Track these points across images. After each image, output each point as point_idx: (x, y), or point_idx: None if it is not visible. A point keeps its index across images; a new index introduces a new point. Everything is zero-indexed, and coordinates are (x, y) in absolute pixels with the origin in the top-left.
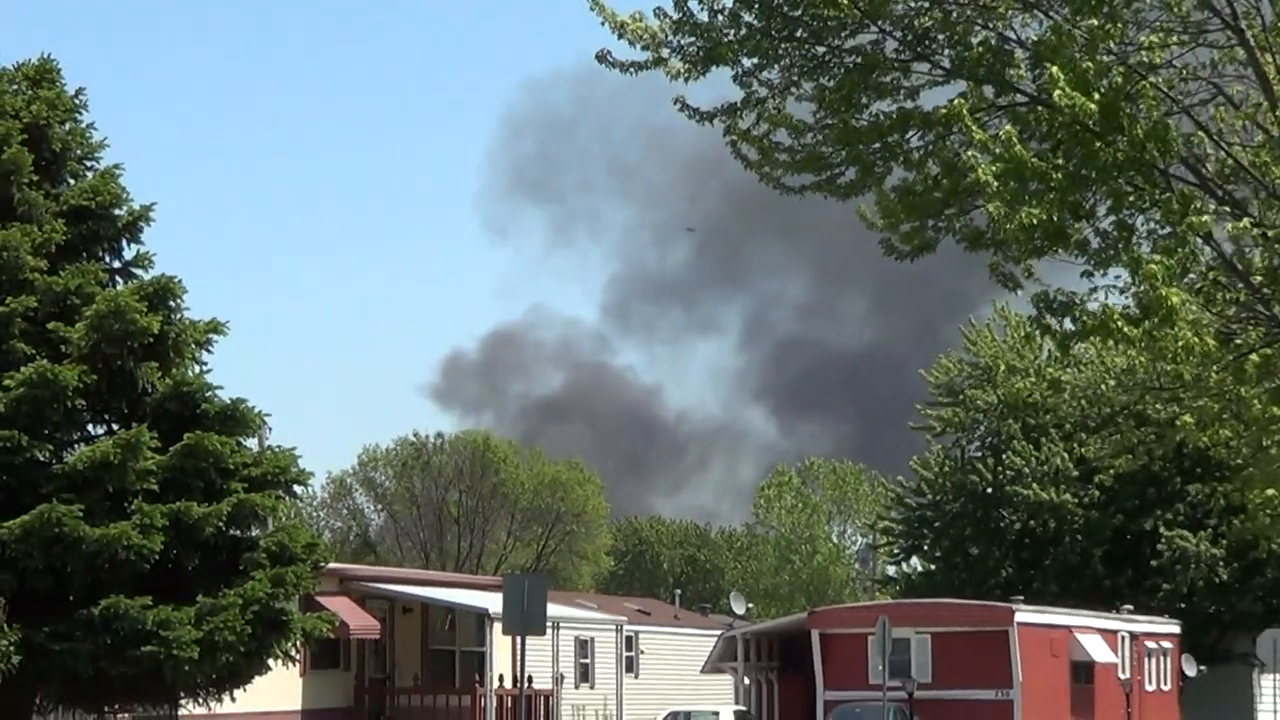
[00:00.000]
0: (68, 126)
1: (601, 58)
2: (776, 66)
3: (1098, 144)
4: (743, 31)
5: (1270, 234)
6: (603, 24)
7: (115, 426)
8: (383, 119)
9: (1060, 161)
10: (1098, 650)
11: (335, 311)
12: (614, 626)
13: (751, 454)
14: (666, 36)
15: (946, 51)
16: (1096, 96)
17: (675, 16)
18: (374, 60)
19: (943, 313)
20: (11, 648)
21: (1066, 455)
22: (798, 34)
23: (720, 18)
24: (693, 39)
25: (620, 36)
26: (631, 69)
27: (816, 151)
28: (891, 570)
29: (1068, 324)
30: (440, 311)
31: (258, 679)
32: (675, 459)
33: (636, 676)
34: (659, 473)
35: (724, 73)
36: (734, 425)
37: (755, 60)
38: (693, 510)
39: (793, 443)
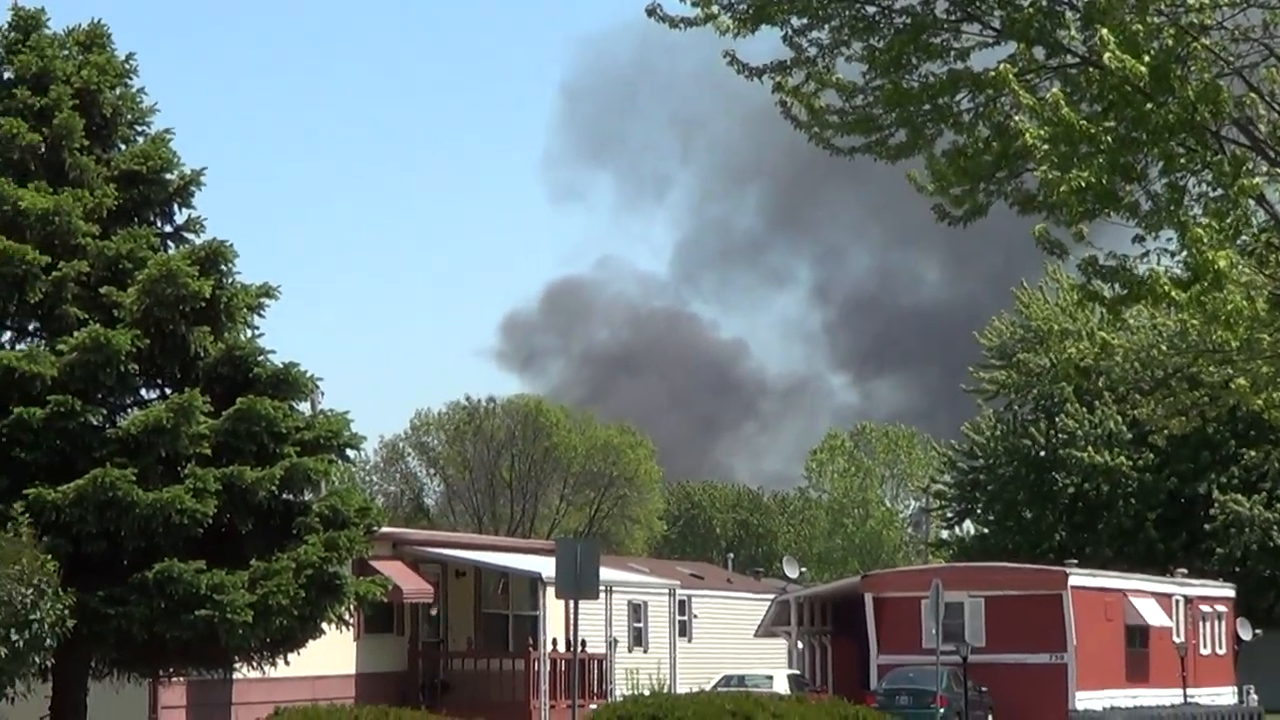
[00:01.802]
0: (118, 91)
1: (652, 12)
2: (826, 26)
3: (1148, 106)
4: None
5: None
6: None
7: (168, 391)
8: (436, 77)
9: (1111, 124)
10: (1152, 614)
11: (390, 275)
12: (667, 590)
13: (828, 413)
14: None
15: (997, 12)
16: (1147, 58)
17: None
18: (428, 18)
19: (1023, 265)
20: (66, 612)
21: (1120, 418)
22: None
23: None
24: None
25: None
26: (681, 24)
27: (866, 113)
28: (944, 534)
29: (1116, 289)
30: (501, 274)
31: (311, 643)
32: (748, 416)
33: (690, 640)
34: (731, 430)
35: (774, 30)
36: (811, 382)
37: (804, 19)
38: (764, 474)
39: (871, 403)
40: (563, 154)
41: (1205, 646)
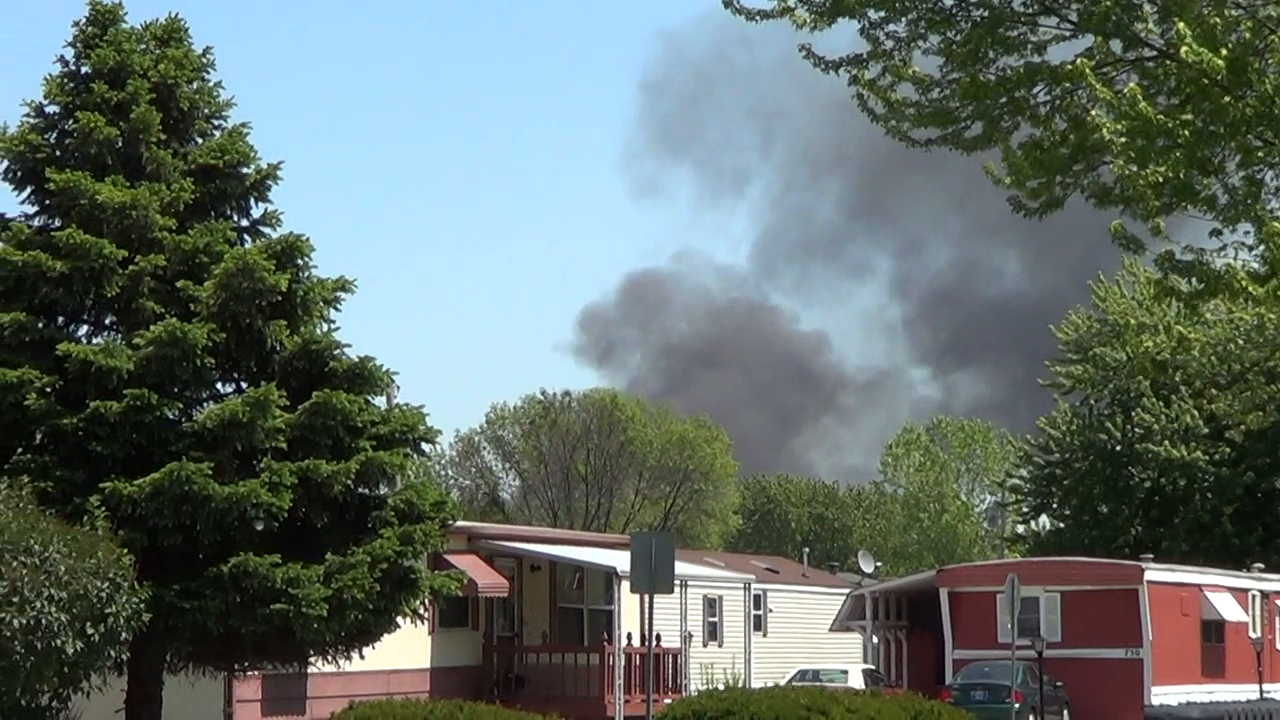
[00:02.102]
0: (195, 85)
1: (729, 4)
2: (903, 19)
3: (1226, 99)
4: None
5: None
6: None
7: (244, 385)
8: (513, 71)
9: (1188, 117)
10: (1228, 609)
11: (467, 270)
12: (742, 585)
13: (908, 406)
14: None
15: (1074, 5)
16: (1225, 51)
17: None
18: (506, 11)
19: (1104, 256)
20: (142, 605)
21: (1196, 413)
22: None
23: None
24: None
25: None
26: (758, 17)
27: (942, 106)
28: (1020, 528)
29: (1193, 283)
30: (579, 268)
31: (386, 637)
32: (828, 409)
33: (765, 635)
34: (811, 423)
35: (851, 23)
36: (891, 375)
37: (881, 13)
38: (843, 468)
39: (952, 395)
40: (642, 148)
41: None
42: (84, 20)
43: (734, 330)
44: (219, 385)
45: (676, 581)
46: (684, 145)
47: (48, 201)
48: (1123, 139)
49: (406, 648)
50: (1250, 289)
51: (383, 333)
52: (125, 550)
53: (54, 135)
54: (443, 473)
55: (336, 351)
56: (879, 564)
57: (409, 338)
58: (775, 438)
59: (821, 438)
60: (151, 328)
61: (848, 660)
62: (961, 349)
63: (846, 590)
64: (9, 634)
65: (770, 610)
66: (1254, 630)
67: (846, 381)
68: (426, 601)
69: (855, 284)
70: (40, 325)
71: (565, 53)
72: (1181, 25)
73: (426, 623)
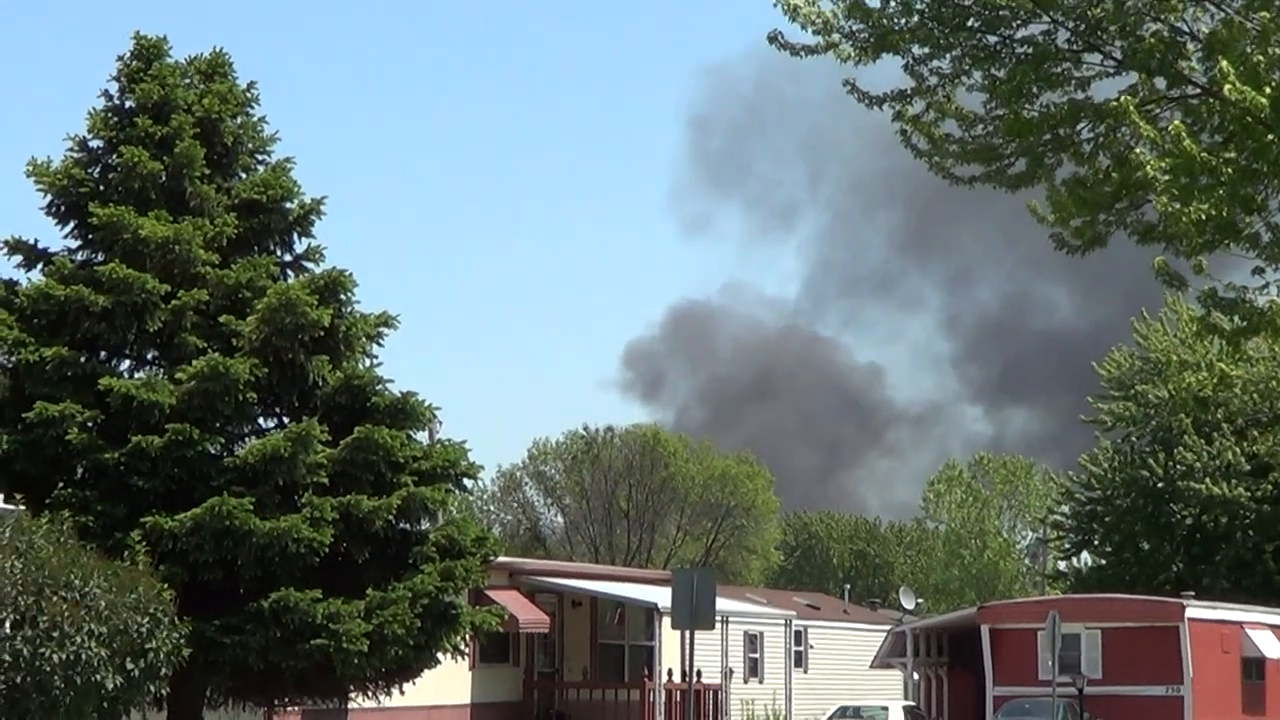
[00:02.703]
0: (239, 120)
1: (774, 39)
2: (947, 56)
3: (1269, 137)
4: (914, 19)
5: None
6: (775, 5)
7: (286, 419)
8: (560, 107)
9: (1231, 155)
10: (1269, 646)
11: (512, 305)
12: (783, 621)
13: (960, 441)
14: (838, 21)
15: (1118, 43)
16: (1268, 90)
17: (847, 1)
18: (547, 50)
19: (1154, 292)
20: (182, 640)
21: (1238, 450)
22: (969, 23)
23: (892, 4)
24: (863, 25)
25: (793, 20)
26: (802, 52)
27: (986, 142)
28: (1061, 565)
29: (1236, 321)
30: (627, 305)
31: (427, 672)
32: (878, 443)
33: (805, 671)
34: (862, 458)
35: (895, 59)
36: (943, 410)
37: (926, 49)
38: (894, 503)
39: (1003, 430)
40: (690, 185)
41: None
42: (129, 54)
43: (784, 363)
44: (261, 420)
45: (718, 617)
46: (732, 181)
47: (90, 236)
48: (1166, 177)
49: (447, 683)
50: None
51: (425, 368)
52: (166, 585)
53: (97, 170)
54: (484, 508)
55: (379, 387)
56: (920, 600)
57: (452, 373)
58: (825, 471)
59: (872, 473)
60: (194, 362)
61: (889, 697)
62: (1013, 383)
63: (887, 627)
64: (49, 669)
65: (811, 646)
66: None
67: (898, 415)
68: (467, 637)
69: (906, 317)
70: (82, 360)
71: (612, 88)
72: (1225, 63)
73: (467, 658)
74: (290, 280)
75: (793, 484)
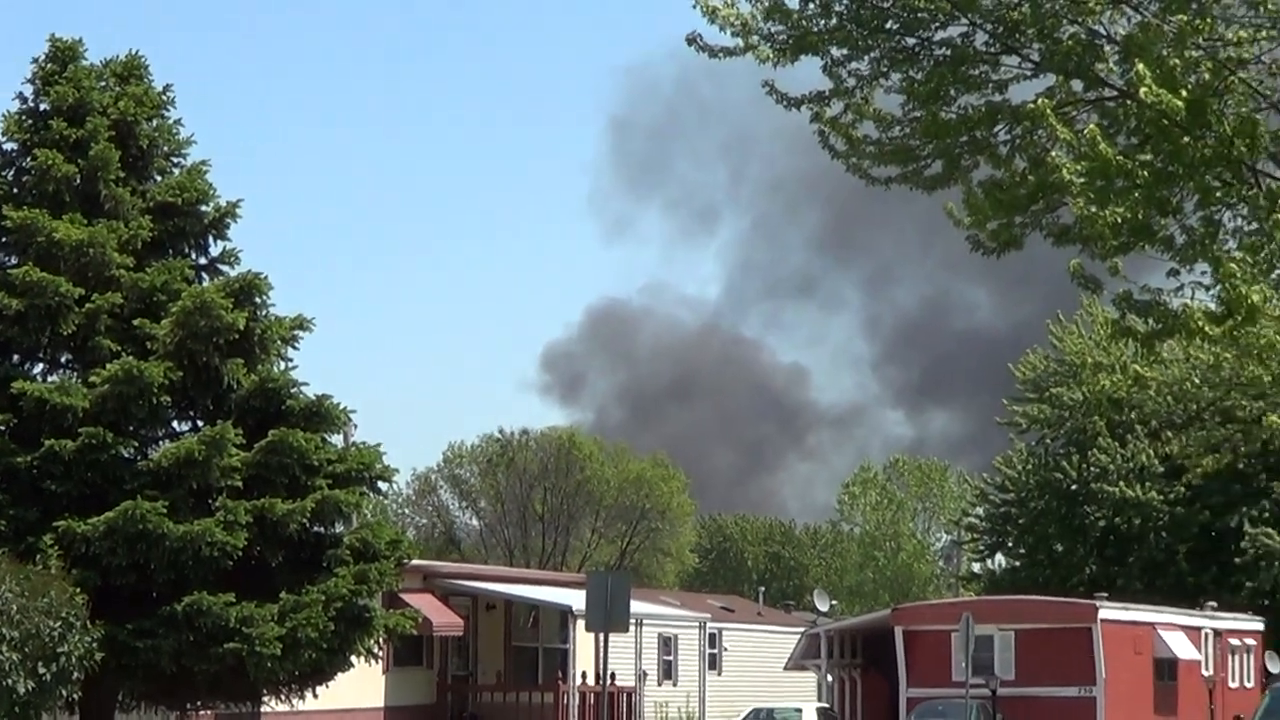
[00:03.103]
0: (155, 123)
1: (692, 41)
2: (866, 57)
3: (1185, 139)
4: (833, 21)
5: None
6: (694, 6)
7: (200, 423)
8: (476, 108)
9: (1147, 157)
10: (1181, 647)
11: (429, 309)
12: (697, 624)
13: (881, 442)
14: (757, 23)
15: (1035, 45)
16: (1184, 93)
17: (766, 3)
18: (466, 49)
19: (1072, 292)
20: (95, 644)
21: (1152, 452)
22: (887, 25)
23: (811, 6)
24: (782, 27)
25: (711, 21)
26: (721, 54)
27: (903, 144)
28: (976, 567)
29: (1150, 323)
30: (546, 307)
31: (340, 676)
32: (798, 445)
33: (719, 674)
34: (783, 459)
35: (814, 60)
36: (864, 411)
37: (844, 51)
38: (816, 505)
39: (923, 431)
40: (611, 186)
41: (1234, 680)
42: (44, 57)
43: (706, 364)
44: (175, 423)
45: (632, 620)
46: (653, 183)
47: (4, 239)
48: (1082, 179)
49: (360, 687)
50: (1207, 329)
51: (341, 371)
52: (78, 589)
53: (11, 172)
54: (399, 511)
55: (293, 390)
56: (834, 602)
57: (368, 377)
58: (745, 473)
59: (792, 475)
60: (108, 366)
61: (802, 699)
62: (934, 384)
63: (801, 629)
64: None
65: (725, 649)
66: (1207, 669)
67: (819, 418)
68: (381, 640)
69: (827, 318)
70: None
71: (531, 88)
72: (1141, 66)
73: (381, 662)
74: (205, 283)
75: (713, 486)
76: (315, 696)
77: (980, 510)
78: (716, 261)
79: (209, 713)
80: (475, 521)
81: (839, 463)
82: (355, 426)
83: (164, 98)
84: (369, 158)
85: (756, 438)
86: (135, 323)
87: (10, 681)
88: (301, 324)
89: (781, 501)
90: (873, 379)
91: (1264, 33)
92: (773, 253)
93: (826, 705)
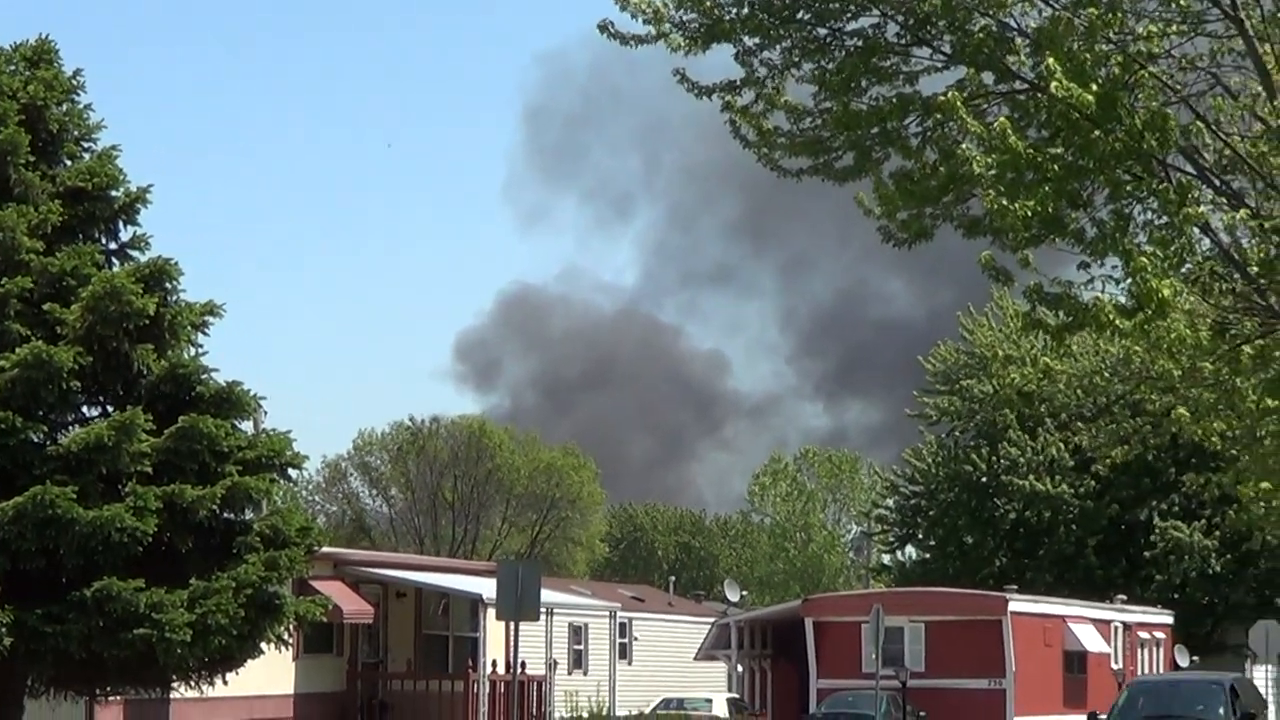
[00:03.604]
0: (65, 107)
1: (604, 29)
2: (778, 47)
3: (1095, 133)
4: (745, 10)
5: (1267, 225)
6: None
7: (110, 408)
8: (390, 93)
9: (1058, 151)
10: (1091, 640)
11: (343, 296)
12: (608, 613)
13: (799, 432)
14: (669, 11)
15: (947, 37)
16: (1094, 86)
17: None
18: (378, 34)
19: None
20: (3, 630)
21: (1062, 445)
22: (799, 15)
23: None
24: (694, 15)
25: (624, 9)
26: (633, 42)
27: (814, 135)
28: (886, 559)
29: (1061, 316)
30: (463, 295)
31: (250, 662)
32: (714, 435)
33: (630, 663)
34: (699, 449)
35: (726, 49)
36: (780, 401)
37: (756, 40)
38: (732, 495)
39: (840, 421)
40: (526, 174)
41: (1143, 673)
42: None
43: (623, 351)
44: (85, 409)
45: (542, 609)
46: (569, 171)
47: None
48: (992, 172)
49: (270, 674)
50: (1117, 322)
51: (252, 358)
52: None
53: None
54: (310, 499)
55: (204, 376)
56: (745, 593)
57: (279, 363)
58: (661, 462)
59: (707, 465)
60: (17, 350)
61: (712, 689)
62: (851, 374)
63: (712, 619)
64: None
65: (635, 638)
66: (1116, 661)
67: (736, 407)
68: (291, 627)
69: (744, 307)
70: None
71: (445, 75)
72: (1052, 60)
73: (291, 649)
74: (115, 269)
75: (629, 474)
76: (225, 683)
77: (890, 502)
78: (633, 250)
79: (119, 699)
80: (385, 509)
81: (756, 453)
82: (266, 413)
83: (74, 82)
84: (281, 144)
85: (673, 426)
86: (45, 307)
87: None
88: (212, 310)
89: (697, 491)
90: (790, 368)
91: (1174, 27)
92: (689, 241)
93: (737, 695)
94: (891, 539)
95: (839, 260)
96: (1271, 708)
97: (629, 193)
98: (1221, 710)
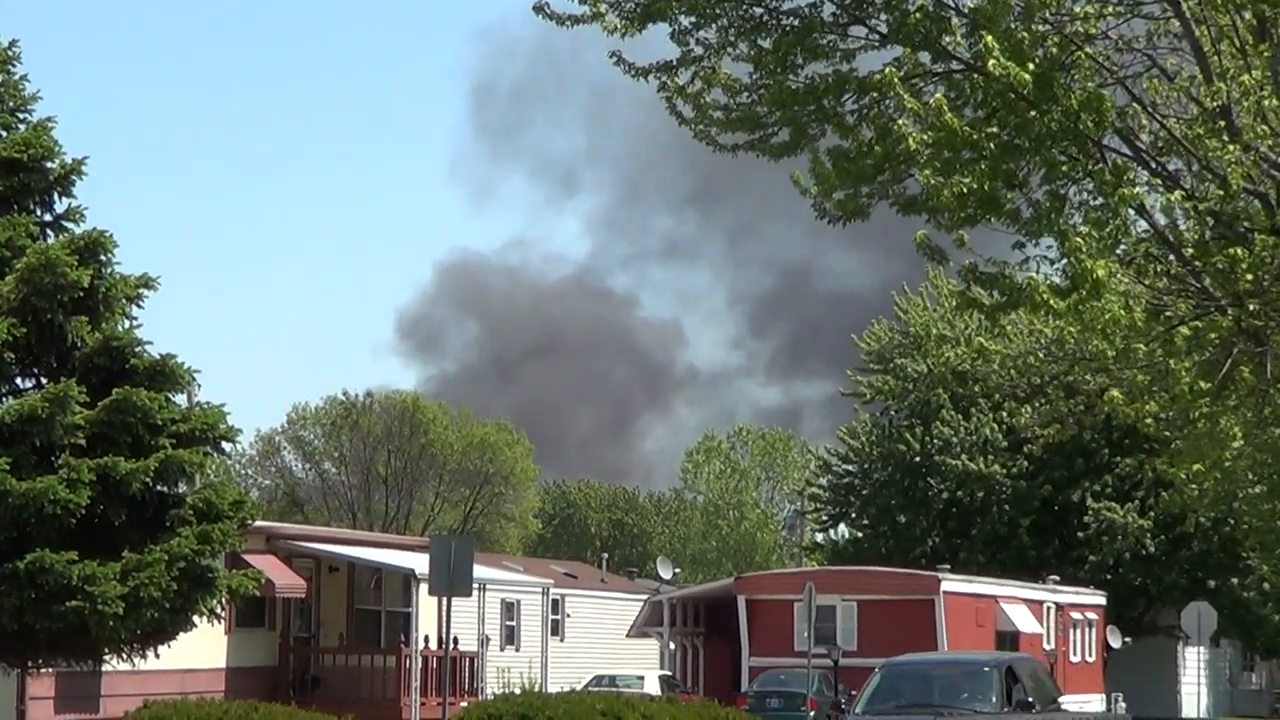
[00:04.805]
0: (0, 78)
1: (539, 9)
2: (714, 25)
3: (1031, 113)
4: None
5: (1202, 207)
6: None
7: (43, 380)
8: (332, 64)
9: (994, 130)
10: (1023, 620)
11: (281, 270)
12: (540, 589)
13: (748, 406)
14: None
15: (883, 16)
16: (1031, 66)
17: None
18: (323, 5)
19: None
20: None
21: (996, 425)
22: None
23: None
24: None
25: None
26: (569, 22)
27: (750, 111)
28: (819, 537)
29: (996, 296)
30: (406, 268)
31: (182, 636)
32: (660, 408)
33: (562, 640)
34: (645, 422)
35: (662, 28)
36: (728, 375)
37: (693, 19)
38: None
39: (790, 397)
40: (471, 150)
41: (1075, 654)
42: None
43: (572, 324)
44: (18, 380)
45: (475, 585)
46: (515, 148)
47: None
48: (928, 150)
49: (202, 647)
50: (1051, 302)
51: (186, 331)
52: None
53: None
54: (243, 472)
55: (138, 348)
56: (677, 570)
57: (213, 336)
58: (610, 434)
59: (655, 439)
60: None
61: (644, 666)
62: (801, 346)
63: (645, 596)
64: None
65: (568, 615)
66: (1048, 642)
67: (685, 380)
68: (223, 601)
69: (693, 282)
70: None
71: (387, 46)
72: (990, 39)
73: (223, 622)
74: (50, 240)
75: (574, 446)
76: (157, 656)
77: (824, 481)
78: (580, 224)
79: (50, 671)
80: (319, 483)
81: (705, 427)
82: (200, 386)
83: (9, 53)
84: (219, 117)
85: (621, 399)
86: None
87: None
88: (146, 283)
89: (645, 464)
90: (740, 342)
91: (1111, 8)
92: (637, 215)
93: (669, 673)
94: (825, 517)
95: (790, 231)
96: (1203, 689)
97: (575, 167)
98: (994, 698)
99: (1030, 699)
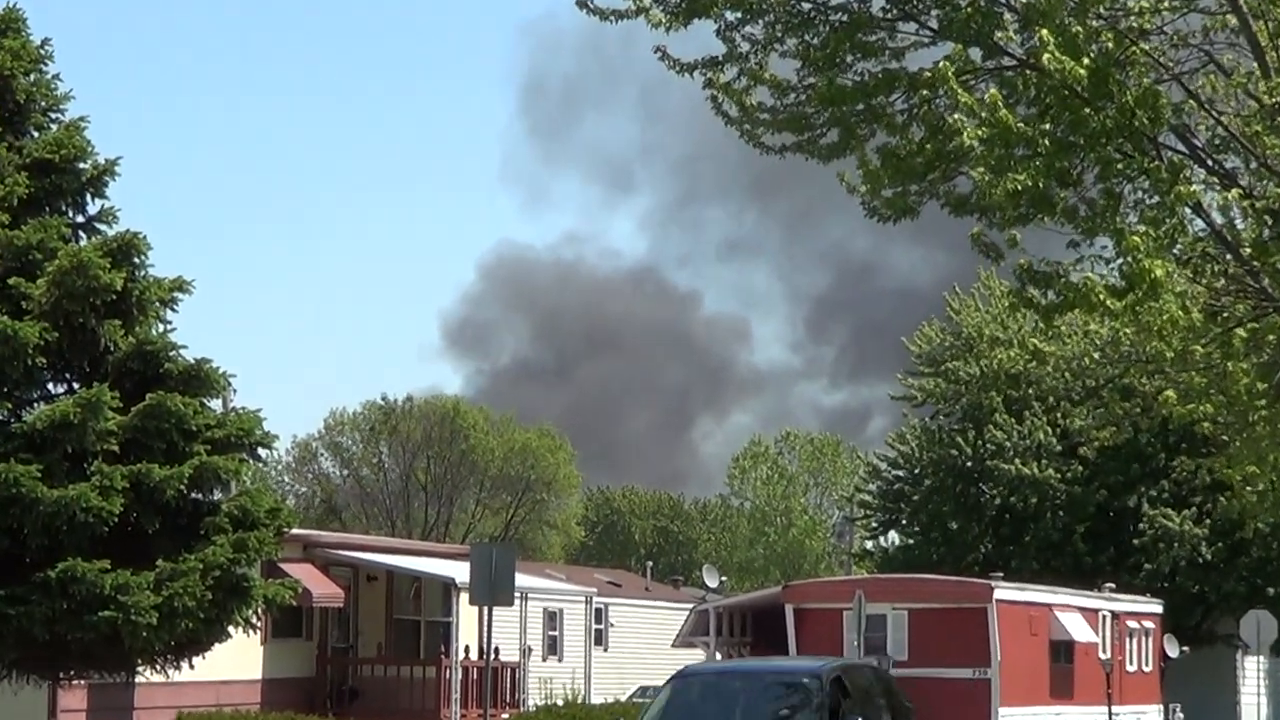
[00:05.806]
0: (32, 78)
1: (583, 4)
2: (760, 21)
3: (1086, 110)
4: None
5: (1259, 205)
6: None
7: (76, 385)
8: (358, 66)
9: (1048, 127)
10: (1078, 629)
11: (316, 274)
12: (583, 598)
13: (809, 409)
14: None
15: (934, 11)
16: (1086, 62)
17: None
18: (362, 7)
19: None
20: None
21: (1049, 429)
22: None
23: None
24: None
25: None
26: (613, 17)
27: (798, 111)
28: (868, 544)
29: (1050, 295)
30: (454, 270)
31: (217, 647)
32: (719, 410)
33: (606, 649)
34: (702, 425)
35: (707, 25)
36: (788, 377)
37: (739, 14)
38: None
39: (852, 396)
40: (524, 151)
41: (1131, 663)
42: None
43: (627, 321)
44: (50, 385)
45: (516, 594)
46: (567, 147)
47: None
48: (981, 146)
49: (237, 658)
50: (1107, 303)
51: (222, 335)
52: None
53: None
54: (279, 479)
55: (172, 353)
56: (724, 579)
57: (249, 340)
58: (668, 437)
59: (717, 445)
60: None
61: None
62: (864, 344)
63: (690, 605)
64: None
65: (612, 624)
66: (1104, 651)
67: (744, 383)
68: (259, 611)
69: (749, 276)
70: None
71: (431, 44)
72: (1045, 33)
73: (259, 633)
74: (83, 242)
75: (628, 447)
76: (191, 667)
77: (873, 487)
78: (635, 225)
79: (83, 682)
80: (357, 490)
81: (763, 429)
82: (235, 391)
83: (42, 52)
84: (257, 118)
85: (678, 401)
86: (10, 282)
87: None
88: (181, 285)
89: (708, 471)
90: (803, 344)
91: (1167, 3)
92: (694, 211)
93: None
94: (874, 524)
95: (854, 228)
96: (1264, 700)
97: (630, 163)
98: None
99: (865, 715)
